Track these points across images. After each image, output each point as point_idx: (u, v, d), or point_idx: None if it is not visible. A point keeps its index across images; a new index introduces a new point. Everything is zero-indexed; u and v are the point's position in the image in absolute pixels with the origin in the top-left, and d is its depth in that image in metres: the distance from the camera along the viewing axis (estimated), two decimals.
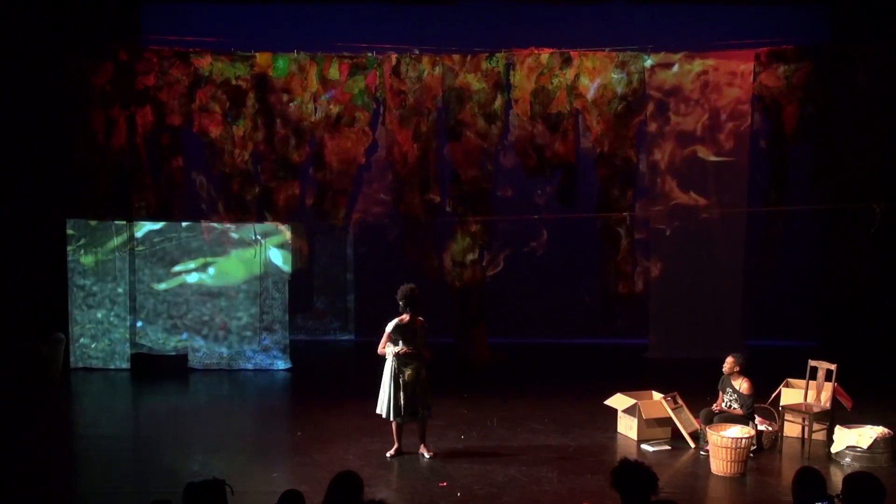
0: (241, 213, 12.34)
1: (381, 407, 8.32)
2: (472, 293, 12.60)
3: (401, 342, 8.19)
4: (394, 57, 12.23)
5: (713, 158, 12.61)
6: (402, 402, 8.22)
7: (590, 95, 12.21)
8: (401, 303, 8.23)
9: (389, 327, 8.24)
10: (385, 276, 12.78)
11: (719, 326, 12.62)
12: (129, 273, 12.04)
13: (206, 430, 9.47)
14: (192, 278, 12.12)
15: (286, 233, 12.13)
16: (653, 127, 12.64)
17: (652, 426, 8.92)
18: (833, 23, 12.90)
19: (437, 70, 12.22)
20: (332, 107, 12.24)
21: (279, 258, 12.09)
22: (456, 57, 12.21)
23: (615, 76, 12.24)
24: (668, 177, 12.71)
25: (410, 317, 8.21)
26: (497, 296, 12.98)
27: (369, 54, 12.21)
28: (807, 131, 12.21)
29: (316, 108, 12.25)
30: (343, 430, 9.18)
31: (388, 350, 8.22)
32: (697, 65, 12.47)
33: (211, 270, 12.12)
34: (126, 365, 11.99)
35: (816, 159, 12.30)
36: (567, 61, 12.22)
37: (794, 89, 12.09)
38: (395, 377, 8.23)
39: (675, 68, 12.46)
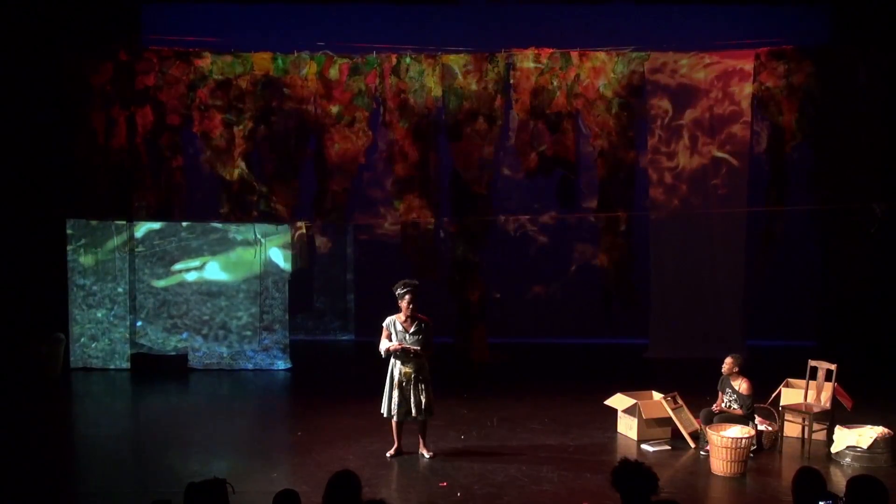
0: (242, 213, 12.35)
1: (382, 404, 8.34)
2: (472, 293, 12.59)
3: (393, 338, 8.19)
4: (394, 57, 12.23)
5: (713, 158, 12.62)
6: (394, 399, 8.23)
7: (590, 95, 12.22)
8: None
9: (384, 323, 8.27)
10: (385, 276, 12.82)
11: (719, 326, 12.62)
12: (129, 273, 12.04)
13: (206, 430, 9.46)
14: (192, 276, 12.13)
15: (286, 233, 12.12)
16: (652, 126, 12.64)
17: (652, 426, 8.92)
18: (833, 23, 12.90)
19: (437, 70, 12.22)
20: (332, 107, 12.24)
21: (280, 258, 12.09)
22: (456, 57, 12.21)
23: (615, 76, 12.24)
24: (668, 176, 12.72)
25: (408, 313, 8.19)
26: (497, 296, 12.97)
27: (369, 56, 12.22)
28: (807, 131, 12.22)
29: (316, 108, 12.25)
30: (343, 430, 9.18)
31: (382, 346, 8.22)
32: (698, 65, 12.47)
33: (211, 270, 12.11)
34: (126, 365, 11.99)
35: (816, 159, 12.31)
36: (567, 61, 12.22)
37: (794, 89, 12.10)
38: (391, 374, 8.25)
39: (675, 68, 12.46)
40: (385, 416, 8.34)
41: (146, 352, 12.10)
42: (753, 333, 12.83)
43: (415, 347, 8.11)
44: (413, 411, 8.24)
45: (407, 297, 8.13)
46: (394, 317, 8.24)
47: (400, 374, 8.19)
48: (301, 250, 12.49)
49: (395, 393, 8.21)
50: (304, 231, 12.52)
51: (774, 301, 13.08)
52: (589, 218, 12.81)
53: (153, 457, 8.53)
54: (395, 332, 8.19)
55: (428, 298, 8.67)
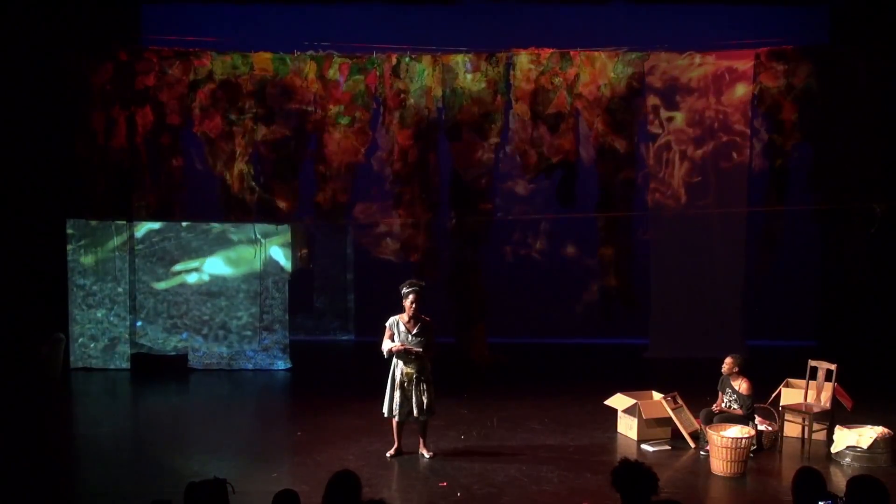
0: (242, 213, 12.35)
1: (384, 404, 8.33)
2: (472, 293, 12.59)
3: (396, 339, 8.19)
4: (394, 57, 12.24)
5: (713, 157, 12.62)
6: (396, 400, 8.23)
7: (590, 95, 12.23)
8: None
9: (387, 323, 8.27)
10: (385, 276, 12.80)
11: (719, 326, 12.62)
12: (129, 273, 12.04)
13: (206, 430, 9.47)
14: (192, 278, 12.12)
15: (286, 233, 12.12)
16: (652, 127, 12.65)
17: (652, 426, 8.92)
18: (833, 23, 12.91)
19: (437, 70, 12.22)
20: (332, 107, 12.25)
21: (280, 258, 12.09)
22: (456, 57, 12.21)
23: (615, 76, 12.25)
24: (668, 176, 12.71)
25: (411, 313, 8.20)
26: (497, 296, 12.98)
27: (369, 56, 12.22)
28: (807, 131, 12.22)
29: (316, 108, 12.26)
30: (343, 430, 9.18)
31: (384, 346, 8.22)
32: (697, 65, 12.47)
33: (211, 270, 12.11)
34: (126, 365, 11.99)
35: (816, 159, 12.32)
36: (567, 61, 12.22)
37: (794, 89, 12.10)
38: (392, 374, 8.25)
39: (675, 68, 12.46)
40: (386, 416, 8.34)
41: (146, 352, 12.09)
42: (753, 333, 12.83)
43: (417, 349, 8.11)
44: (415, 412, 8.23)
45: (411, 296, 8.12)
46: (397, 317, 8.24)
47: (402, 374, 8.19)
48: (301, 250, 12.50)
49: (397, 393, 8.21)
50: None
51: (774, 301, 13.08)
52: (589, 218, 12.79)
53: (153, 457, 8.52)
54: (397, 332, 8.18)
55: (428, 298, 8.65)
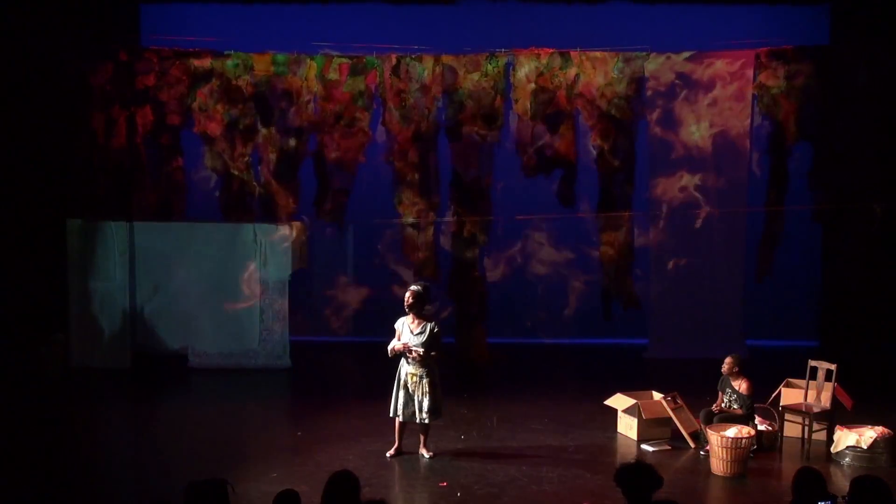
0: (242, 213, 12.35)
1: (391, 403, 8.35)
2: (472, 293, 12.59)
3: (403, 339, 8.20)
4: (394, 57, 12.24)
5: (713, 158, 12.62)
6: (400, 399, 8.25)
7: (590, 95, 12.23)
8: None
9: (395, 324, 8.34)
10: (386, 276, 12.80)
11: (719, 326, 12.61)
12: (129, 273, 12.03)
13: (207, 430, 9.47)
14: (192, 277, 12.10)
15: (286, 233, 12.10)
16: (652, 126, 12.64)
17: (652, 426, 8.92)
18: (833, 23, 12.90)
19: (437, 70, 12.22)
20: (332, 107, 12.25)
21: (280, 257, 12.07)
22: (456, 57, 12.22)
23: (615, 76, 12.25)
24: (668, 177, 12.71)
25: (414, 316, 8.21)
26: (497, 296, 12.98)
27: (369, 56, 12.22)
28: (807, 131, 12.22)
29: (316, 109, 12.26)
30: (343, 430, 9.18)
31: (390, 345, 8.25)
32: (697, 65, 12.47)
33: (211, 270, 12.08)
34: (126, 365, 11.97)
35: (816, 159, 12.32)
36: (567, 61, 12.23)
37: (794, 89, 12.10)
38: (398, 374, 8.28)
39: (675, 68, 12.46)
40: (391, 415, 8.35)
41: (146, 352, 12.07)
42: (753, 333, 12.82)
43: (418, 350, 8.11)
44: (417, 413, 8.23)
45: (407, 293, 8.25)
46: (405, 317, 8.29)
47: (406, 374, 8.22)
48: (301, 250, 12.49)
49: (401, 393, 8.24)
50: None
51: (774, 301, 13.08)
52: (589, 218, 12.79)
53: (153, 457, 8.53)
54: (403, 332, 8.22)
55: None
